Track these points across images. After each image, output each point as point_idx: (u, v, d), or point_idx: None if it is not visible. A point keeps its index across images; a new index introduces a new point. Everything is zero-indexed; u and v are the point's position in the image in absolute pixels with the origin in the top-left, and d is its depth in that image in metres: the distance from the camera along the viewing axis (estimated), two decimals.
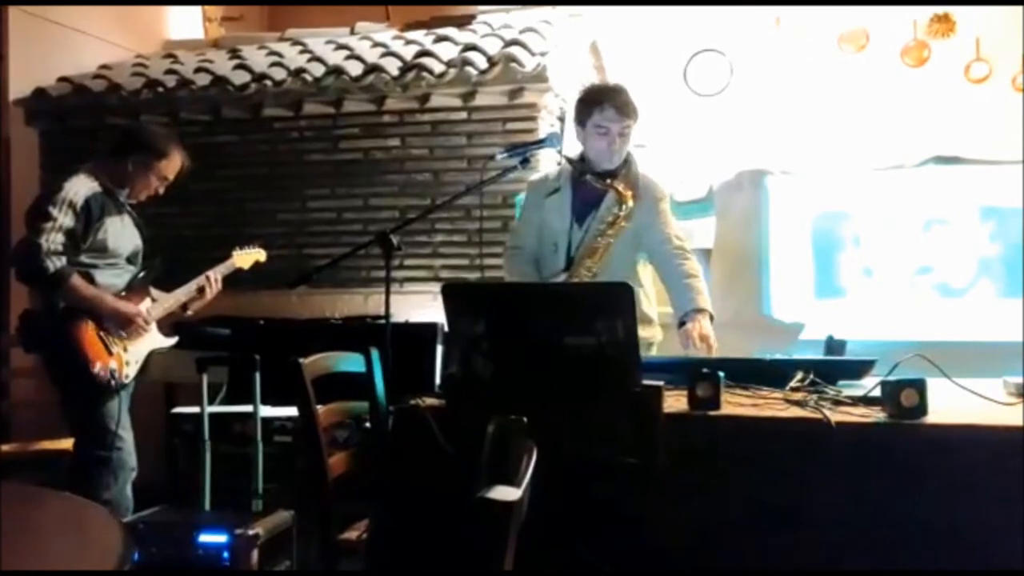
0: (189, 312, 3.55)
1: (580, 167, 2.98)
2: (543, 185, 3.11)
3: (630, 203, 2.91)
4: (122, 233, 3.31)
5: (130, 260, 3.35)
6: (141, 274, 3.38)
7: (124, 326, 3.25)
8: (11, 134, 4.84)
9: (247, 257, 3.69)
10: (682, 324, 2.83)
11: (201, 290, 3.48)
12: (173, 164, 3.35)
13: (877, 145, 5.13)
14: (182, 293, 3.46)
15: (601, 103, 2.90)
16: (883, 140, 5.16)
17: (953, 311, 4.23)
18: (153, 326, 3.38)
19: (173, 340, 3.50)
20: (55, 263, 3.09)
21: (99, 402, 3.18)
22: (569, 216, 3.00)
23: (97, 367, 3.16)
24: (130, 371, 3.29)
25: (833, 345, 2.60)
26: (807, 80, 5.50)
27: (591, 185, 2.95)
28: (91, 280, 3.20)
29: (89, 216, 3.18)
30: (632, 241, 2.98)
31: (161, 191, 3.40)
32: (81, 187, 3.19)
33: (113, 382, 3.19)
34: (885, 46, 5.50)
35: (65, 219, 3.12)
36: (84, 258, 3.20)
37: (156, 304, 3.39)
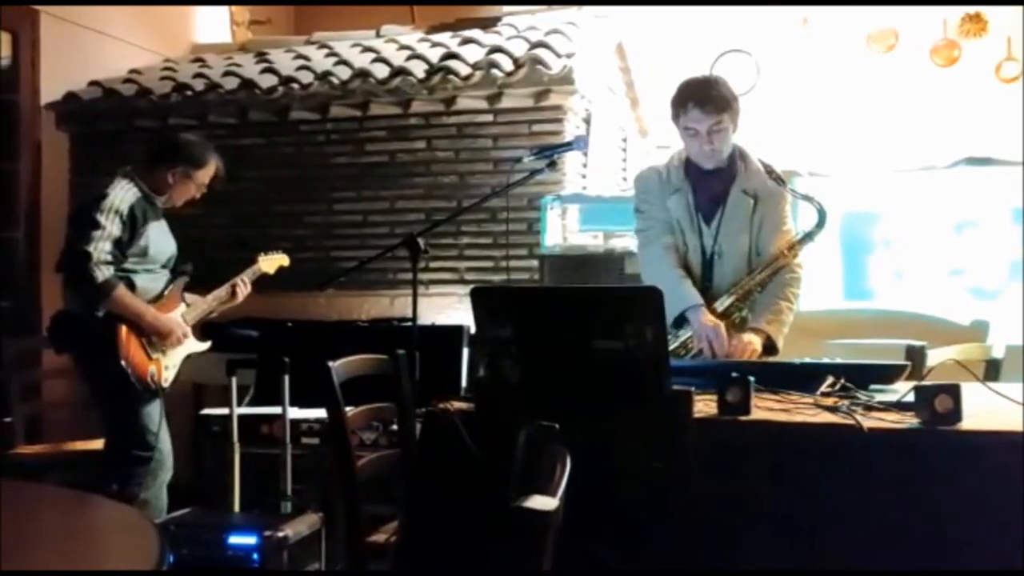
0: (214, 314, 3.60)
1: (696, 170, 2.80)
2: (659, 183, 2.84)
3: (826, 223, 2.78)
4: (161, 239, 3.37)
5: (165, 265, 3.41)
6: (176, 280, 3.43)
7: (163, 339, 3.30)
8: (42, 138, 4.91)
9: (272, 262, 3.72)
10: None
11: (232, 293, 3.52)
12: (210, 171, 3.44)
13: (907, 146, 5.08)
14: (213, 298, 3.50)
15: (685, 103, 2.70)
16: (913, 141, 5.12)
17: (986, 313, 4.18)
18: (189, 331, 3.42)
19: (207, 344, 3.55)
20: (104, 273, 3.14)
21: (139, 405, 3.23)
22: (696, 217, 2.80)
23: (138, 372, 3.21)
24: (169, 375, 3.34)
25: (913, 352, 2.58)
26: (835, 80, 5.46)
27: (710, 180, 2.78)
28: (131, 285, 3.25)
29: (134, 223, 3.24)
30: (753, 242, 2.80)
31: (198, 196, 3.48)
32: (126, 194, 3.25)
33: (153, 386, 3.24)
34: (914, 46, 5.45)
35: (113, 227, 3.17)
36: (126, 264, 3.25)
37: (190, 310, 3.43)
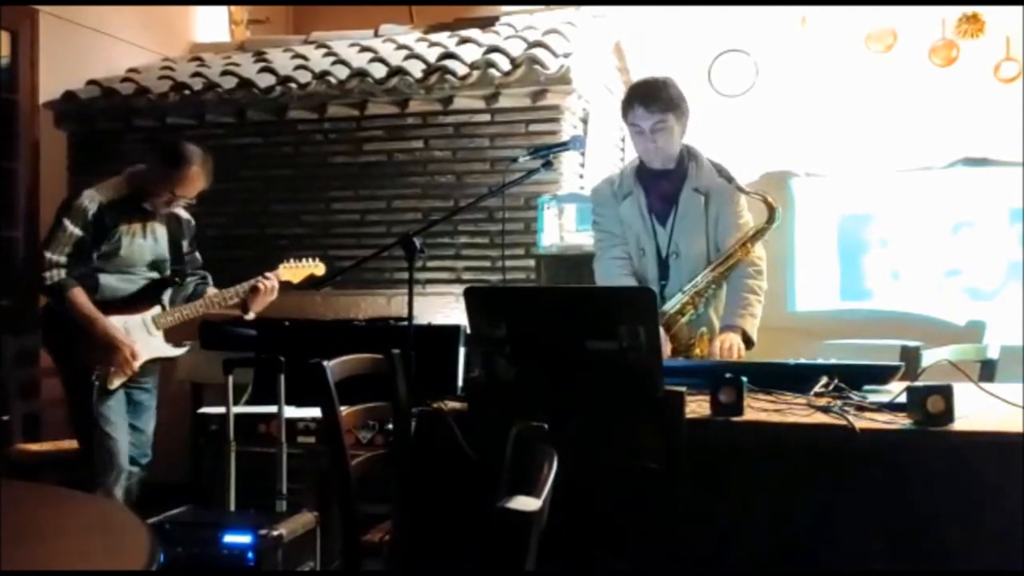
0: (251, 314, 3.51)
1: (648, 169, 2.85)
2: (612, 191, 2.92)
3: (778, 219, 2.79)
4: (138, 241, 3.36)
5: (152, 266, 3.41)
6: (158, 282, 3.43)
7: (109, 352, 3.24)
8: (40, 136, 4.91)
9: (298, 271, 3.58)
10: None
11: (255, 289, 3.43)
12: (189, 182, 3.31)
13: (904, 146, 5.08)
14: (202, 304, 3.45)
15: (631, 101, 2.78)
16: (911, 141, 5.11)
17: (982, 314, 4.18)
18: (159, 336, 3.39)
19: (181, 350, 3.50)
20: (53, 276, 3.19)
21: (88, 405, 3.24)
22: (650, 219, 2.85)
23: (87, 369, 3.23)
24: (116, 380, 3.30)
25: (908, 352, 2.59)
26: (833, 80, 5.45)
27: (661, 182, 2.83)
28: (95, 284, 3.27)
29: (101, 225, 3.25)
30: (711, 240, 2.84)
31: (174, 206, 3.39)
32: (97, 195, 3.27)
33: (97, 385, 3.23)
34: (913, 46, 5.44)
35: (75, 229, 3.22)
36: (94, 263, 3.28)
37: (164, 314, 3.40)
